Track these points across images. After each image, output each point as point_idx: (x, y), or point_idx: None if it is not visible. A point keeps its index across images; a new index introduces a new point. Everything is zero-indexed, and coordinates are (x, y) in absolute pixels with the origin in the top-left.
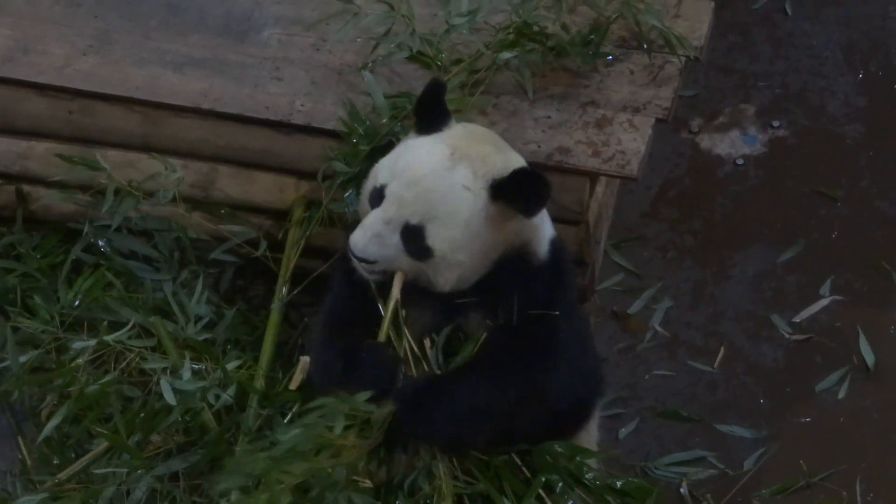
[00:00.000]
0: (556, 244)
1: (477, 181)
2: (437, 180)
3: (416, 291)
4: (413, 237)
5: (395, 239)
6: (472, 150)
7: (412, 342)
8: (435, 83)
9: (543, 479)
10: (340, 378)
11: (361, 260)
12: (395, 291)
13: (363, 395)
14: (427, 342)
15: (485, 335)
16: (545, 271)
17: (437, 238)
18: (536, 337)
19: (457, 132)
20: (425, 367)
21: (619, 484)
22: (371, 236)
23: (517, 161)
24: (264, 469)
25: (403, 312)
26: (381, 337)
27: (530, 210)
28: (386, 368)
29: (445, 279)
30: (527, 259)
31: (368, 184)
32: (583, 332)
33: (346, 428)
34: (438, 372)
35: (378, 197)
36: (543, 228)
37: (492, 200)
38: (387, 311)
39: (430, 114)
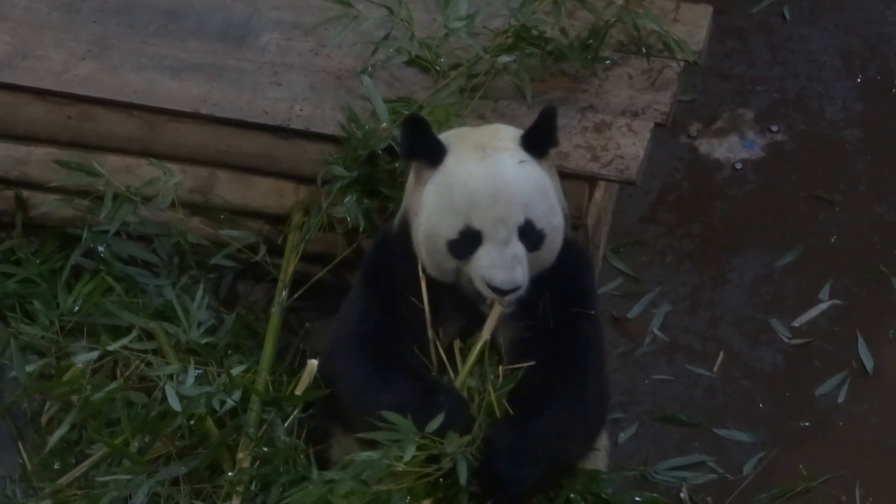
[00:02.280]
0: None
1: (519, 151)
2: (504, 177)
3: (450, 295)
4: (529, 233)
5: (521, 248)
6: (487, 138)
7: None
8: (414, 120)
9: (566, 496)
10: (398, 410)
11: (513, 290)
12: (486, 333)
13: (434, 424)
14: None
15: (529, 363)
16: (572, 247)
17: (540, 218)
18: (574, 348)
19: (458, 141)
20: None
21: (638, 499)
22: (511, 265)
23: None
24: (320, 496)
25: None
26: (461, 381)
27: (557, 137)
28: (462, 418)
29: (554, 248)
30: (566, 224)
31: (435, 242)
32: (601, 331)
33: (414, 458)
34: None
35: (470, 238)
36: None
37: (536, 157)
38: (471, 353)
39: (431, 146)
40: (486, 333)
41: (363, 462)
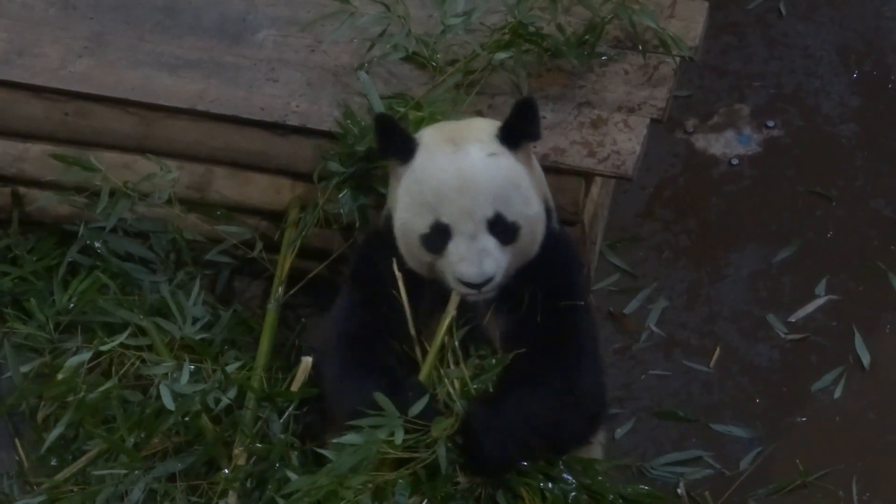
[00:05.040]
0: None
1: (491, 144)
2: (472, 170)
3: (436, 292)
4: (500, 226)
5: (491, 242)
6: (459, 130)
7: (452, 379)
8: (383, 119)
9: (560, 486)
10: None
11: (484, 284)
12: (451, 308)
13: (419, 406)
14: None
15: (515, 352)
16: (560, 239)
17: (513, 210)
18: (566, 336)
19: (431, 136)
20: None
21: (629, 490)
22: (478, 258)
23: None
24: (330, 486)
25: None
26: (424, 374)
27: (538, 129)
28: (424, 409)
29: (535, 239)
30: (549, 217)
31: (409, 237)
32: (594, 323)
33: (405, 442)
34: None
35: (440, 232)
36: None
37: (511, 149)
38: (434, 345)
39: (402, 143)
40: (451, 308)
41: (356, 450)
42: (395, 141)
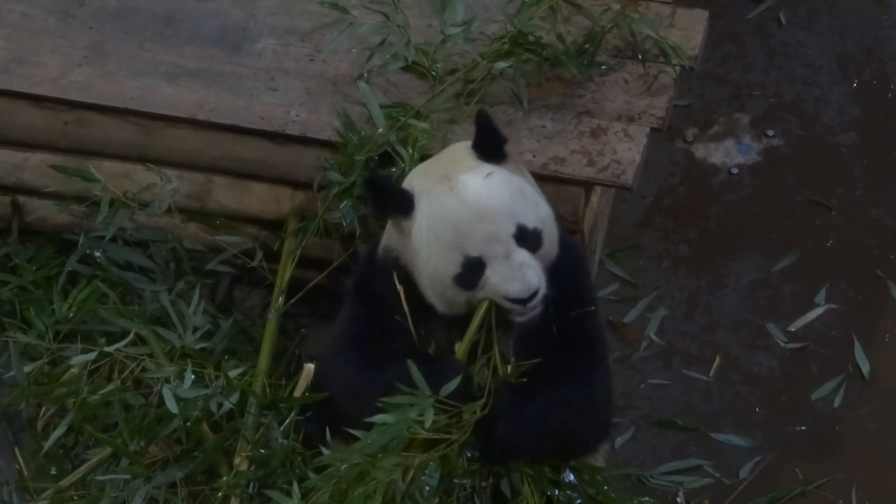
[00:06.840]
0: None
1: (482, 168)
2: (478, 196)
3: (439, 318)
4: (525, 237)
5: (525, 254)
6: (447, 166)
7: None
8: (372, 181)
9: (565, 492)
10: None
11: (532, 297)
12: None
13: (450, 387)
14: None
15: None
16: (565, 245)
17: (529, 217)
18: (581, 343)
19: (422, 182)
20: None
21: (634, 502)
22: (521, 272)
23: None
24: (361, 465)
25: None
26: (461, 353)
27: (502, 133)
28: (460, 381)
29: (554, 239)
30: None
31: (441, 282)
32: (602, 327)
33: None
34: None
35: (473, 266)
36: None
37: (497, 161)
38: (473, 323)
39: (398, 199)
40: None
41: (386, 429)
42: (390, 199)
